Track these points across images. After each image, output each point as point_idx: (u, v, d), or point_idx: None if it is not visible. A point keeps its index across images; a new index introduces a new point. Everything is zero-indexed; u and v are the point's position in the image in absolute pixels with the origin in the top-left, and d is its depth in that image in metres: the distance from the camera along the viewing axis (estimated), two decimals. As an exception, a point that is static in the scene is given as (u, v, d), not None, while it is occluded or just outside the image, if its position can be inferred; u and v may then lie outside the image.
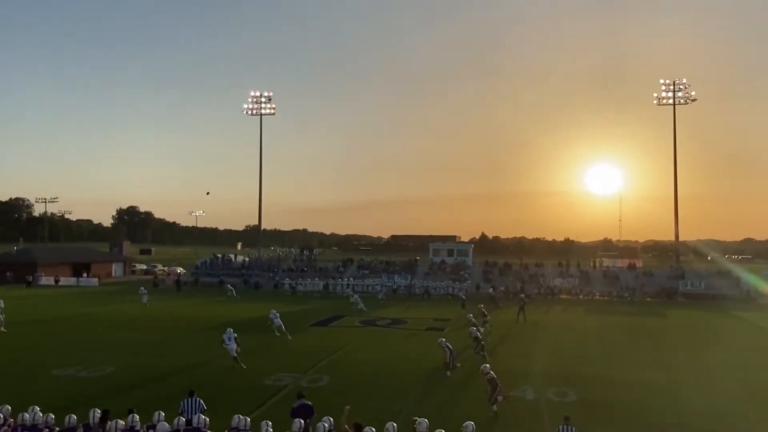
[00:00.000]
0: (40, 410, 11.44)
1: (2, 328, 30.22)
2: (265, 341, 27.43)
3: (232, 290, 49.43)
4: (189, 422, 11.70)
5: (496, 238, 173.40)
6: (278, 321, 29.17)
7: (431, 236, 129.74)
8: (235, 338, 21.90)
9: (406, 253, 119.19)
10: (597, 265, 64.65)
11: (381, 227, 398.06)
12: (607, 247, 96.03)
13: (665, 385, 19.71)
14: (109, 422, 11.00)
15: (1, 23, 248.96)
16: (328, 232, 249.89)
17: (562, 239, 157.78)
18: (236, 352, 21.52)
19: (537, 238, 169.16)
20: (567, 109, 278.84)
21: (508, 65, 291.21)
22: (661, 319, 38.91)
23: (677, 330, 34.09)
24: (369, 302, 43.13)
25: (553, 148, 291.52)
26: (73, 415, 11.57)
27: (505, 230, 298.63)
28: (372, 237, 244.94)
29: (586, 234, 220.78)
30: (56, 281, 61.53)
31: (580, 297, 52.89)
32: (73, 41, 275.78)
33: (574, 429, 11.73)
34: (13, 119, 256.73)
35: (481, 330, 26.26)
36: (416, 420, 10.87)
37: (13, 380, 19.28)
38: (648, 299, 51.36)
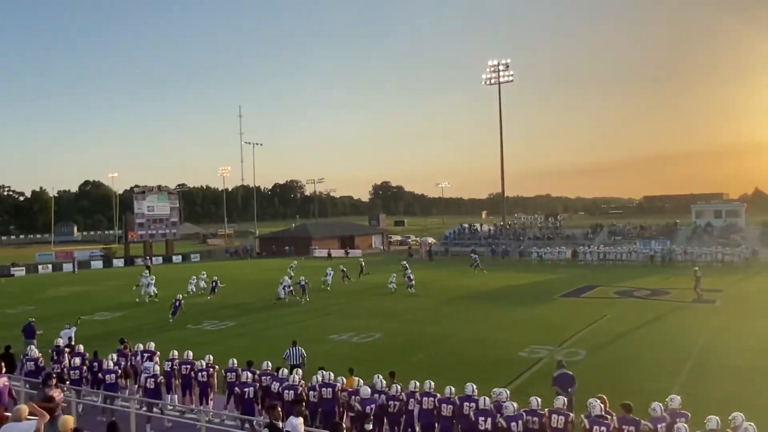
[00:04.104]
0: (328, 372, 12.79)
1: (155, 299, 33.72)
2: (518, 313, 27.80)
3: (476, 259, 48.26)
4: (291, 368, 14.17)
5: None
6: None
7: (692, 195, 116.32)
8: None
9: (662, 215, 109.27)
10: None
11: (632, 188, 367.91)
12: None
13: None
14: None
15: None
16: (573, 197, 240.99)
17: None
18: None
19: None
20: None
21: None
22: None
23: None
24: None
25: None
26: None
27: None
28: (622, 199, 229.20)
29: None
30: (329, 255, 68.50)
31: None
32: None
33: None
34: (296, 117, 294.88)
35: None
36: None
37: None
38: None
